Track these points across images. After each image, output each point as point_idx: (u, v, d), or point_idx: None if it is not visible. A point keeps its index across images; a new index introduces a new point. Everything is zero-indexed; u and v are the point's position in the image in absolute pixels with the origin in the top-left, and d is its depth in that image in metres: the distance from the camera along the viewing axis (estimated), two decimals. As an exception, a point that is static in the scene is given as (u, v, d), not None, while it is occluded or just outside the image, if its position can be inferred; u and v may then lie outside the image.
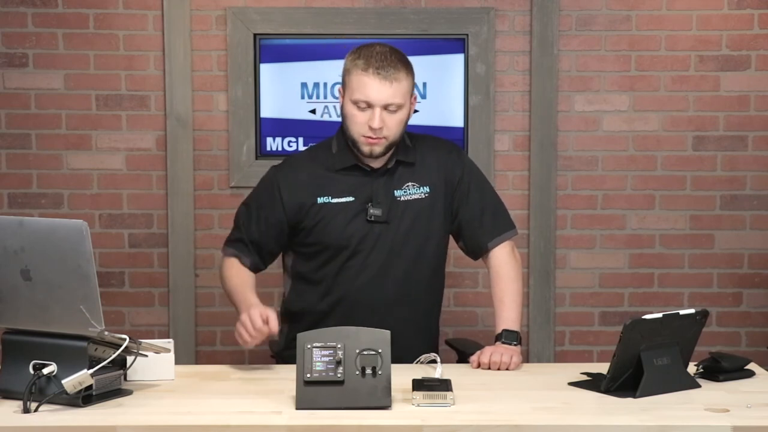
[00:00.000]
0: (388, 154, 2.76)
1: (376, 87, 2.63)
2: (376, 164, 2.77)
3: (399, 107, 2.67)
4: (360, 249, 2.76)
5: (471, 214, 2.83)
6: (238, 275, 2.79)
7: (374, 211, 2.74)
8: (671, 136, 4.09)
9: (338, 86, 2.79)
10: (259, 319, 2.56)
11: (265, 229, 2.80)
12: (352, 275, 2.77)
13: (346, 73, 2.70)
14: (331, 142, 2.83)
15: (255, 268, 2.84)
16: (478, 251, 2.87)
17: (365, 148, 2.70)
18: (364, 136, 2.68)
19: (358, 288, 2.77)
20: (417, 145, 2.84)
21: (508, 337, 2.71)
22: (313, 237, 2.78)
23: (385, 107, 2.65)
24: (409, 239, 2.78)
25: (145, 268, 4.13)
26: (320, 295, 2.82)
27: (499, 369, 2.61)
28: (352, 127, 2.69)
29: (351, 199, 2.76)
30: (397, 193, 2.78)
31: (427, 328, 2.89)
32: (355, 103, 2.66)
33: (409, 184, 2.79)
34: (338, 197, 2.76)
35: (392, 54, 2.68)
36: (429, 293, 2.88)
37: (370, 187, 2.76)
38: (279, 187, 2.79)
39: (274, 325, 2.57)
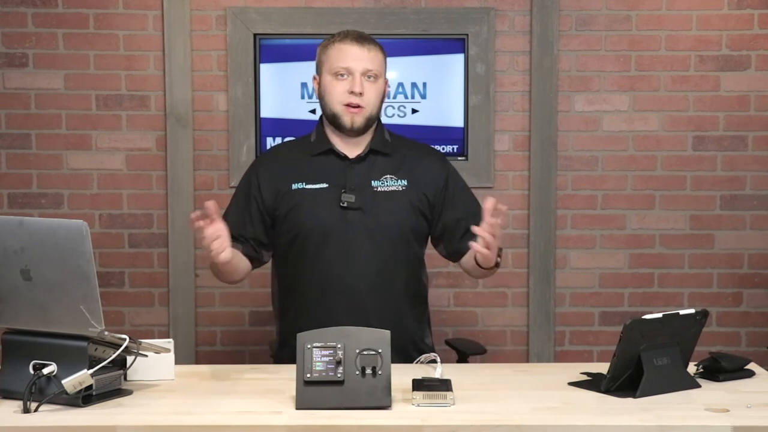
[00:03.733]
0: (365, 141, 2.78)
1: (356, 52, 2.72)
2: (352, 152, 2.79)
3: (376, 76, 2.74)
4: (333, 235, 2.76)
5: (456, 218, 2.84)
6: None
7: (347, 198, 2.75)
8: (671, 136, 4.10)
9: (312, 75, 2.84)
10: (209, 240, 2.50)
11: (250, 218, 2.82)
12: (328, 263, 2.76)
13: (322, 53, 2.78)
14: (312, 133, 2.88)
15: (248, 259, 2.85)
16: (457, 255, 2.88)
17: (346, 118, 2.73)
18: (344, 105, 2.72)
19: (335, 276, 2.76)
20: (397, 142, 2.87)
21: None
22: (288, 223, 2.80)
23: (364, 74, 2.72)
24: (384, 229, 2.77)
25: (145, 268, 4.13)
26: (300, 286, 2.82)
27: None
28: (332, 97, 2.74)
29: (325, 185, 2.77)
30: (374, 183, 2.78)
31: (402, 327, 2.80)
32: (335, 73, 2.73)
33: (387, 176, 2.80)
34: (313, 183, 2.78)
35: (364, 34, 2.80)
36: (404, 292, 2.85)
37: (344, 174, 2.78)
38: (258, 175, 2.83)
39: (220, 244, 2.50)
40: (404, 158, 2.83)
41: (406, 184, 2.80)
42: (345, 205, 2.75)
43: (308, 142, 2.86)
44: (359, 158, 2.79)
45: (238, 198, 2.87)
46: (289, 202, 2.79)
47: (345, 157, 2.79)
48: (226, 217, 2.85)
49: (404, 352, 2.71)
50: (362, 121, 2.74)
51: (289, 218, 2.79)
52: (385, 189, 2.79)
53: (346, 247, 2.76)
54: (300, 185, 2.78)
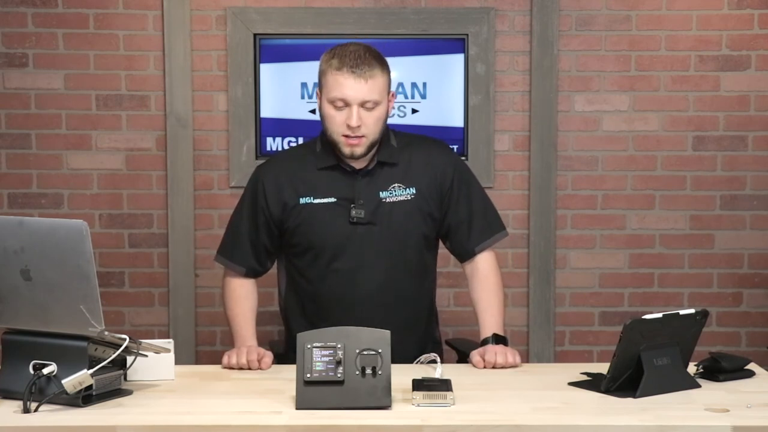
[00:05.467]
0: (370, 154, 2.74)
1: (351, 85, 2.62)
2: (358, 165, 2.75)
3: (376, 104, 2.66)
4: (343, 250, 2.75)
5: (460, 218, 2.82)
6: (239, 304, 2.81)
7: (356, 213, 2.72)
8: (671, 136, 4.10)
9: (315, 89, 2.78)
10: (255, 356, 2.62)
11: (256, 229, 2.80)
12: (339, 276, 2.76)
13: (321, 74, 2.69)
14: (316, 141, 2.83)
15: (253, 273, 2.84)
16: (465, 255, 2.86)
17: (346, 150, 2.68)
18: (343, 136, 2.66)
19: (345, 289, 2.76)
20: (404, 146, 2.82)
21: (500, 341, 2.72)
22: (297, 237, 2.78)
23: (362, 105, 2.64)
24: (396, 240, 2.76)
25: (145, 268, 4.13)
26: (311, 296, 2.81)
27: (503, 368, 2.62)
28: (331, 127, 2.68)
29: (333, 199, 2.74)
30: (382, 194, 2.75)
31: (421, 330, 2.88)
32: (332, 102, 2.65)
33: (395, 185, 2.77)
34: (320, 198, 2.75)
35: (366, 52, 2.67)
36: (420, 295, 2.86)
37: (352, 188, 2.74)
38: (264, 187, 2.79)
39: (267, 364, 2.63)
40: (411, 163, 2.79)
41: (414, 192, 2.77)
42: (354, 220, 2.73)
43: (313, 151, 2.80)
44: (366, 170, 2.76)
45: (245, 207, 2.83)
46: (297, 216, 2.76)
47: (352, 170, 2.76)
48: (235, 227, 2.85)
49: (415, 356, 2.70)
50: (362, 150, 2.68)
51: (299, 233, 2.77)
52: (394, 199, 2.76)
53: (357, 260, 2.75)
54: (308, 199, 2.75)
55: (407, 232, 2.77)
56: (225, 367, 2.62)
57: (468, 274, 2.87)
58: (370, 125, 2.66)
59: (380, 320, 2.59)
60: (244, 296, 2.82)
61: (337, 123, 2.66)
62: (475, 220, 2.83)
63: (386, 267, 2.76)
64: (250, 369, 2.60)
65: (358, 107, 2.63)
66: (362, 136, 2.66)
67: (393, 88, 3.93)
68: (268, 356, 2.65)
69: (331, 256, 2.76)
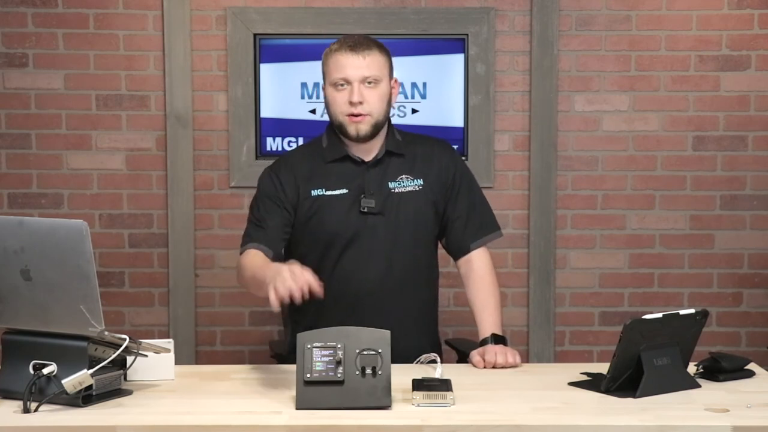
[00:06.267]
0: (378, 143, 2.77)
1: (350, 62, 2.68)
2: (367, 156, 2.78)
3: (377, 81, 2.69)
4: (355, 241, 2.76)
5: (458, 213, 2.84)
6: (257, 257, 2.65)
7: (367, 203, 2.74)
8: (671, 136, 4.10)
9: (321, 87, 2.81)
10: (300, 277, 2.33)
11: (278, 219, 2.74)
12: (349, 268, 2.76)
13: (323, 63, 2.75)
14: (322, 138, 2.85)
15: (279, 259, 2.80)
16: (459, 251, 2.87)
17: (351, 128, 2.70)
18: (347, 115, 2.69)
19: (356, 281, 2.76)
20: (408, 140, 2.85)
21: (499, 340, 2.72)
22: (309, 229, 2.78)
23: (363, 81, 2.68)
24: (405, 231, 2.78)
25: (145, 268, 4.13)
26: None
27: (503, 368, 2.62)
28: (335, 108, 2.72)
29: (344, 191, 2.76)
30: (391, 185, 2.78)
31: (425, 323, 2.89)
32: (334, 84, 2.70)
33: (403, 176, 2.79)
34: (332, 189, 2.76)
35: (364, 36, 2.76)
36: (425, 287, 2.88)
37: (362, 179, 2.76)
38: (278, 177, 2.79)
39: (315, 286, 2.36)
40: (417, 156, 2.82)
41: (422, 183, 2.80)
42: (365, 210, 2.74)
43: (320, 147, 2.82)
44: (375, 161, 2.78)
45: (263, 202, 2.77)
46: (310, 208, 2.76)
47: (361, 161, 2.77)
48: (255, 218, 2.76)
49: (415, 355, 2.70)
50: (367, 128, 2.70)
51: (312, 224, 2.77)
52: (402, 190, 2.78)
53: (367, 251, 2.76)
54: (320, 191, 2.76)
55: (416, 223, 2.80)
56: (277, 301, 2.30)
57: (463, 274, 2.87)
58: (372, 102, 2.69)
59: (389, 313, 2.61)
60: (263, 254, 2.66)
61: (340, 103, 2.70)
62: (473, 216, 2.85)
63: (395, 258, 2.77)
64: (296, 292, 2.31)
65: (359, 84, 2.67)
66: (366, 114, 2.69)
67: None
68: (307, 272, 2.36)
69: (341, 248, 2.76)
